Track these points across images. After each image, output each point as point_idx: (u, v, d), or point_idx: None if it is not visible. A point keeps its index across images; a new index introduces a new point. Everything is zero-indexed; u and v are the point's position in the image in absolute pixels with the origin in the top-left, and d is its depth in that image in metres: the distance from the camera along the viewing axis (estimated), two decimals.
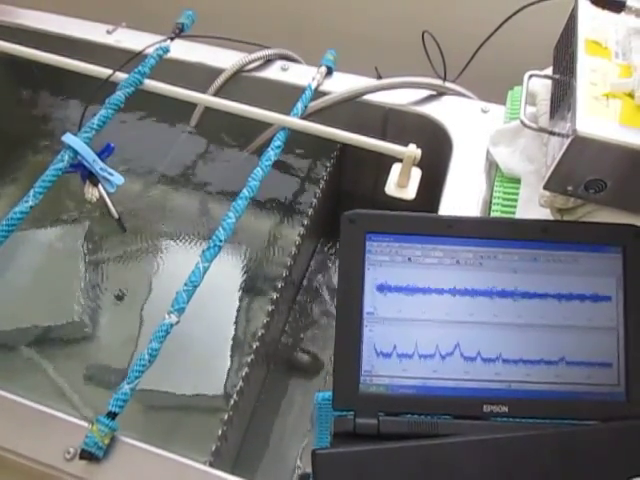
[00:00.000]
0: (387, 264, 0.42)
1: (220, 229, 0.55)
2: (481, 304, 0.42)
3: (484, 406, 0.41)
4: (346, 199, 0.79)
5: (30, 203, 0.56)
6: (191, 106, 0.73)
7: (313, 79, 0.68)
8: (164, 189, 0.77)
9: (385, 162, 0.76)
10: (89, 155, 0.59)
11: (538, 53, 0.69)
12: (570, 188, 0.43)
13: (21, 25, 0.76)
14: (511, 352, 0.42)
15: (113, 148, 0.61)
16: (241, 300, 0.73)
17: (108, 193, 0.66)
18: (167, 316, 0.50)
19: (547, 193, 0.48)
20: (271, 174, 0.63)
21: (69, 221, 0.83)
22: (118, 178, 0.60)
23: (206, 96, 0.65)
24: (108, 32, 0.75)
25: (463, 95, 0.68)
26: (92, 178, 0.63)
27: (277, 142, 0.62)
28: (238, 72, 0.70)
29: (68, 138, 0.59)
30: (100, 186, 0.65)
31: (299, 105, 0.65)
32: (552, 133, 0.46)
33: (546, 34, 0.71)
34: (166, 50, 0.67)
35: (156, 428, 0.64)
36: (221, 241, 0.54)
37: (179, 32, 0.68)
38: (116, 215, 0.69)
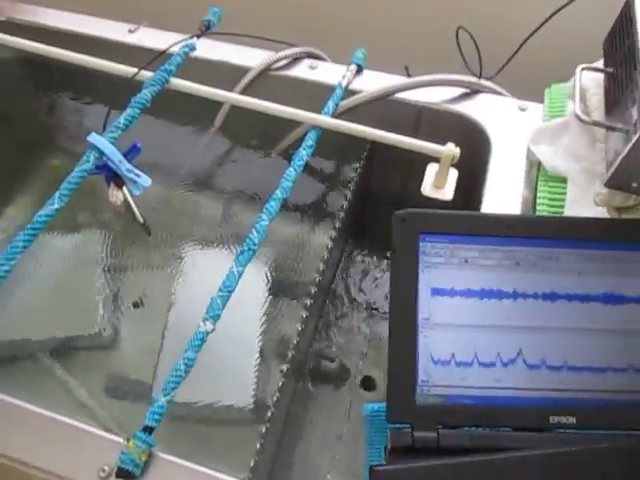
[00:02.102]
0: (442, 266, 0.40)
1: (254, 232, 0.52)
2: (544, 308, 0.39)
3: (550, 417, 0.38)
4: (373, 200, 0.76)
5: (56, 206, 0.53)
6: (214, 107, 0.71)
7: (343, 77, 0.65)
8: (186, 192, 0.74)
9: (416, 162, 0.73)
10: (115, 156, 0.57)
11: (573, 51, 0.67)
12: (635, 185, 0.41)
13: (40, 24, 0.74)
14: (577, 359, 0.39)
15: (140, 148, 0.59)
16: (269, 307, 0.70)
17: (132, 196, 0.64)
18: (202, 324, 0.47)
19: (604, 191, 0.45)
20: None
21: (87, 226, 0.80)
22: (145, 180, 0.57)
23: (235, 95, 0.62)
24: (130, 31, 0.73)
25: (498, 93, 0.66)
26: (117, 180, 0.61)
27: (309, 142, 0.59)
28: (265, 71, 0.68)
29: (94, 138, 0.56)
30: (124, 189, 0.62)
31: (330, 104, 0.63)
32: (611, 128, 0.43)
33: (580, 32, 0.69)
34: (192, 47, 0.65)
35: (185, 442, 0.61)
36: (255, 244, 0.52)
37: (205, 29, 0.66)
38: (141, 219, 0.67)
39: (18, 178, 0.85)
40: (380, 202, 0.76)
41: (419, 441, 0.37)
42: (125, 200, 0.63)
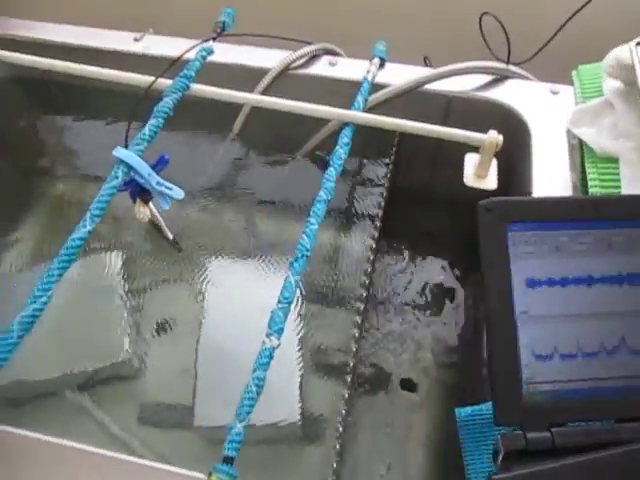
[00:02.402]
0: (533, 255, 0.38)
1: (304, 237, 0.49)
2: None
3: None
4: (400, 196, 0.74)
5: (88, 228, 0.49)
6: (231, 113, 0.68)
7: (368, 72, 0.63)
8: (207, 203, 0.71)
9: (443, 155, 0.72)
10: (144, 169, 0.53)
11: (594, 32, 0.66)
12: None
13: (37, 39, 0.69)
14: None
15: (167, 160, 0.55)
16: (305, 316, 0.67)
17: (159, 211, 0.60)
18: (267, 340, 0.44)
19: None
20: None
21: (103, 249, 0.76)
22: (178, 192, 0.54)
23: (261, 96, 0.59)
24: (135, 39, 0.69)
25: (526, 78, 0.65)
26: (144, 195, 0.57)
27: (345, 139, 0.57)
28: (284, 71, 0.65)
29: (120, 152, 0.53)
30: (151, 204, 0.59)
31: (359, 99, 0.60)
32: None
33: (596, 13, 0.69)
34: (210, 51, 0.61)
35: (247, 467, 0.58)
36: (308, 250, 0.49)
37: (221, 31, 0.63)
38: (170, 235, 0.63)
39: (19, 206, 0.81)
40: (407, 198, 0.74)
41: (533, 443, 0.35)
42: (152, 216, 0.59)
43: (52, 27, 0.70)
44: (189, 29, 0.70)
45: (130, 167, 0.53)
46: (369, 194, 0.65)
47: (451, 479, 0.67)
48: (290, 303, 0.46)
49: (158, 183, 0.54)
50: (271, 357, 0.43)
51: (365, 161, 0.70)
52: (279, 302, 0.46)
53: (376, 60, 0.64)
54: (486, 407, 0.41)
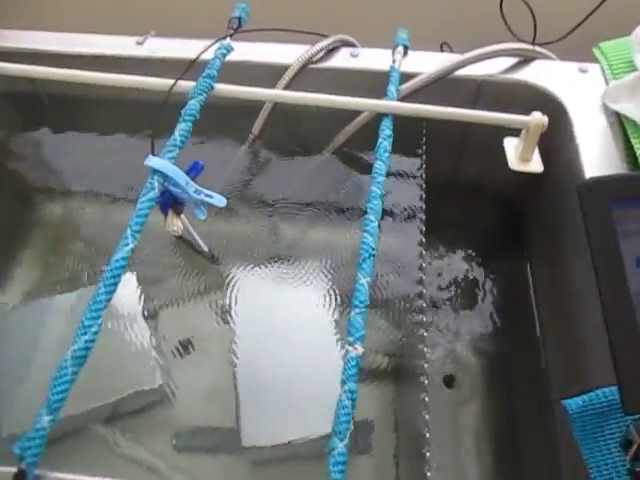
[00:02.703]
0: None
1: (367, 236, 0.46)
2: None
3: None
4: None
5: (130, 245, 0.45)
6: (249, 114, 0.65)
7: (394, 61, 0.61)
8: (227, 210, 0.67)
9: (468, 144, 0.70)
10: (181, 177, 0.49)
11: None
12: None
13: (27, 49, 0.64)
14: None
15: (202, 166, 0.51)
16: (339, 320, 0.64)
17: (191, 222, 0.56)
18: (350, 349, 0.41)
19: None
20: (350, 175, 0.55)
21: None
22: (219, 199, 0.50)
23: (292, 93, 0.56)
24: (138, 43, 0.64)
25: (551, 58, 0.63)
26: (176, 207, 0.53)
27: (387, 131, 0.54)
28: (305, 65, 0.62)
29: (153, 161, 0.48)
30: (182, 216, 0.55)
31: (392, 88, 0.57)
32: None
33: None
34: (229, 48, 0.58)
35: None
36: (373, 249, 0.46)
37: (237, 28, 0.59)
38: (205, 247, 0.59)
39: (15, 232, 0.74)
40: (429, 188, 0.72)
41: None
42: (184, 229, 0.55)
43: (43, 36, 0.65)
44: (187, 29, 0.66)
45: (165, 176, 0.48)
46: (407, 187, 0.63)
47: (506, 472, 0.65)
48: (366, 307, 0.43)
49: (196, 191, 0.50)
50: (358, 366, 0.40)
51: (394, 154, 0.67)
52: (356, 307, 0.42)
53: (400, 48, 0.62)
54: (595, 396, 0.39)
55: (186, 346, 0.69)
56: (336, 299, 0.66)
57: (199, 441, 0.64)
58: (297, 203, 0.67)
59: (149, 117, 0.72)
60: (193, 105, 0.53)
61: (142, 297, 0.70)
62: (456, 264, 0.75)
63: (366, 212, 0.48)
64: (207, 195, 0.50)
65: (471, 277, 0.75)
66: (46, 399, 0.39)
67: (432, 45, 0.68)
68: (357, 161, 0.66)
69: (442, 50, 0.69)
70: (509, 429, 0.66)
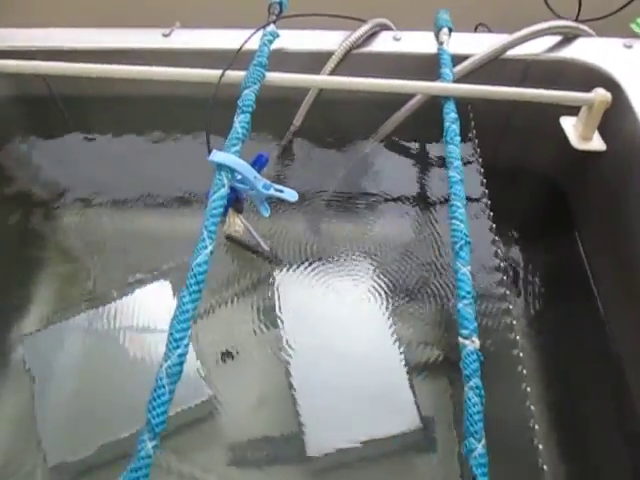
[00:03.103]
0: None
1: (457, 223, 0.44)
2: None
3: None
4: None
5: (209, 248, 0.41)
6: (287, 107, 0.61)
7: (441, 43, 0.58)
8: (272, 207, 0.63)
9: (512, 126, 0.68)
10: (249, 172, 0.45)
11: None
12: None
13: (42, 47, 0.59)
14: None
15: (267, 159, 0.48)
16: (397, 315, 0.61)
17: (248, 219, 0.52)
18: (467, 342, 0.38)
19: None
20: (400, 166, 0.53)
21: (147, 280, 0.66)
22: (291, 194, 0.46)
23: (348, 79, 0.53)
24: (164, 35, 0.60)
25: (592, 35, 0.62)
26: (237, 205, 0.49)
27: (451, 114, 0.52)
28: (349, 51, 0.59)
29: (218, 156, 0.44)
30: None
31: (446, 70, 0.55)
32: None
33: None
34: (275, 35, 0.54)
35: None
36: (467, 235, 0.44)
37: (279, 13, 0.55)
38: (267, 247, 0.55)
39: (27, 246, 0.68)
40: None
41: None
42: (244, 228, 0.51)
43: (61, 32, 0.59)
44: (206, 19, 0.62)
45: (232, 171, 0.45)
46: (465, 173, 0.61)
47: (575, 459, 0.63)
48: (474, 297, 0.40)
49: (265, 186, 0.46)
50: (479, 360, 0.37)
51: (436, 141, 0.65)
52: (463, 298, 0.40)
53: (446, 30, 0.59)
54: None
55: (229, 353, 0.65)
56: (388, 293, 0.63)
57: (255, 453, 0.60)
58: (343, 195, 0.64)
59: (167, 115, 0.69)
60: (249, 95, 0.49)
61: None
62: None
63: (449, 199, 0.46)
64: (277, 190, 0.46)
65: (511, 258, 0.73)
66: (146, 423, 0.34)
67: (466, 26, 0.67)
68: (403, 150, 0.63)
69: (476, 31, 0.67)
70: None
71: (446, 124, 0.51)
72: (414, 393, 0.60)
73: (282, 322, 0.65)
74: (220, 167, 0.44)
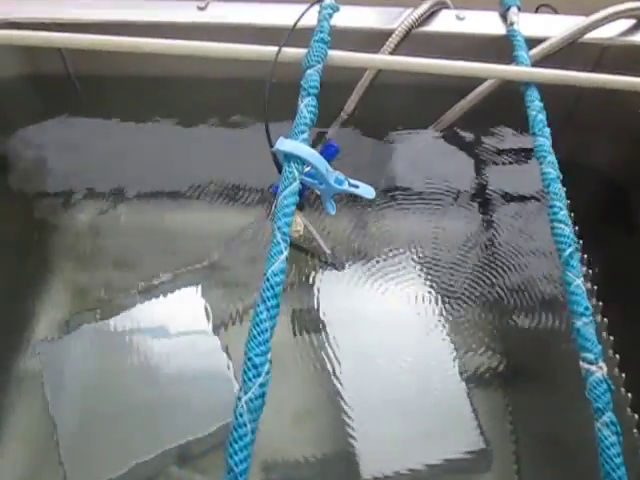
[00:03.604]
0: None
1: (560, 226, 0.39)
2: None
3: None
4: None
5: (285, 253, 0.34)
6: (333, 93, 0.55)
7: (512, 23, 0.53)
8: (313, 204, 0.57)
9: (573, 119, 0.63)
10: (322, 164, 0.39)
11: None
12: None
13: (85, 19, 0.51)
14: None
15: (338, 148, 0.41)
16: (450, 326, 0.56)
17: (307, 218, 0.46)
18: (594, 368, 0.32)
19: None
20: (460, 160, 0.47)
21: (174, 282, 0.59)
22: (367, 190, 0.40)
23: (418, 60, 0.46)
24: (199, 8, 0.53)
25: None
26: (300, 201, 0.43)
27: (536, 102, 0.46)
28: (410, 30, 0.52)
29: (286, 145, 0.38)
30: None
31: (522, 53, 0.49)
32: None
33: None
34: (335, 8, 0.48)
35: None
36: (574, 240, 0.38)
37: None
38: (327, 249, 0.49)
39: (38, 246, 0.61)
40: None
41: None
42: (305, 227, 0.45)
43: (83, 3, 0.52)
44: None
45: (304, 162, 0.38)
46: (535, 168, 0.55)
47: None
48: (592, 314, 0.35)
49: (337, 180, 0.40)
50: (610, 389, 0.32)
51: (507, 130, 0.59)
52: (582, 316, 0.34)
53: (515, 9, 0.54)
54: None
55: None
56: (440, 297, 0.58)
57: (294, 475, 0.55)
58: (394, 191, 0.58)
59: (198, 97, 0.61)
60: (313, 75, 0.42)
61: (209, 314, 0.58)
62: None
63: (549, 199, 0.40)
64: (352, 185, 0.40)
65: None
66: (226, 471, 0.28)
67: (526, 7, 0.61)
68: (464, 142, 0.58)
69: (537, 12, 0.62)
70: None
71: (532, 113, 0.45)
72: (474, 408, 0.55)
73: (322, 329, 0.59)
74: (289, 158, 0.38)
